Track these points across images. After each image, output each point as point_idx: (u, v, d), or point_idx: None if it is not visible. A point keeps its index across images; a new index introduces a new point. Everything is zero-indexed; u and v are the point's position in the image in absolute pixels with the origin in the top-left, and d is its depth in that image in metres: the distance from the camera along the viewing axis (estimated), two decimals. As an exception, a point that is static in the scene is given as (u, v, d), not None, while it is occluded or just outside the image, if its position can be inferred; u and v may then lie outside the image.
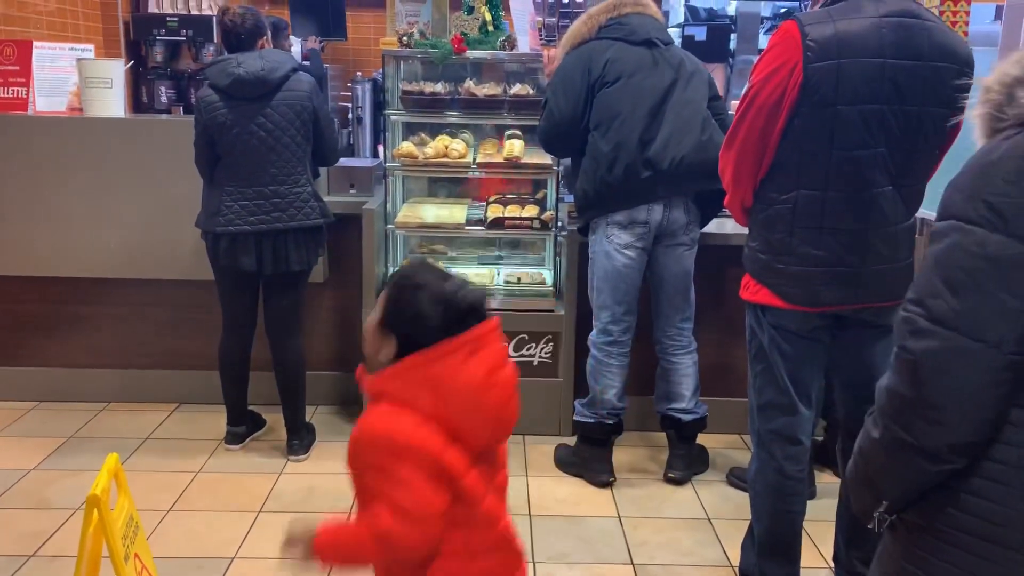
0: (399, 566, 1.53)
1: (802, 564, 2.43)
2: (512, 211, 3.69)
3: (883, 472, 1.25)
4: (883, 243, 2.12)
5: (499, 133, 3.86)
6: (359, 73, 5.10)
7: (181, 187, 3.52)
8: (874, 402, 1.24)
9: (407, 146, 3.61)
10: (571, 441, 3.42)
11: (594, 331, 3.24)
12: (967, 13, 3.61)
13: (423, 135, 3.81)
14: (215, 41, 5.29)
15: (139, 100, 5.48)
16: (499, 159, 3.62)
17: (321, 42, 5.61)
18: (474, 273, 3.79)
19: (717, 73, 4.97)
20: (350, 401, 3.79)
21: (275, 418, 3.52)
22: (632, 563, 2.75)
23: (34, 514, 2.93)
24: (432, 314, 1.48)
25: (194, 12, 5.56)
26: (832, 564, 2.51)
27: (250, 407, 3.49)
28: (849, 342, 2.26)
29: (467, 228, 3.70)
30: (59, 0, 5.05)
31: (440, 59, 3.46)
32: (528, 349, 3.59)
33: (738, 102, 2.18)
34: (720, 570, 2.72)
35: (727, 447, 3.55)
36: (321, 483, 3.20)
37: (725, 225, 3.40)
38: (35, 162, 3.64)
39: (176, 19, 5.35)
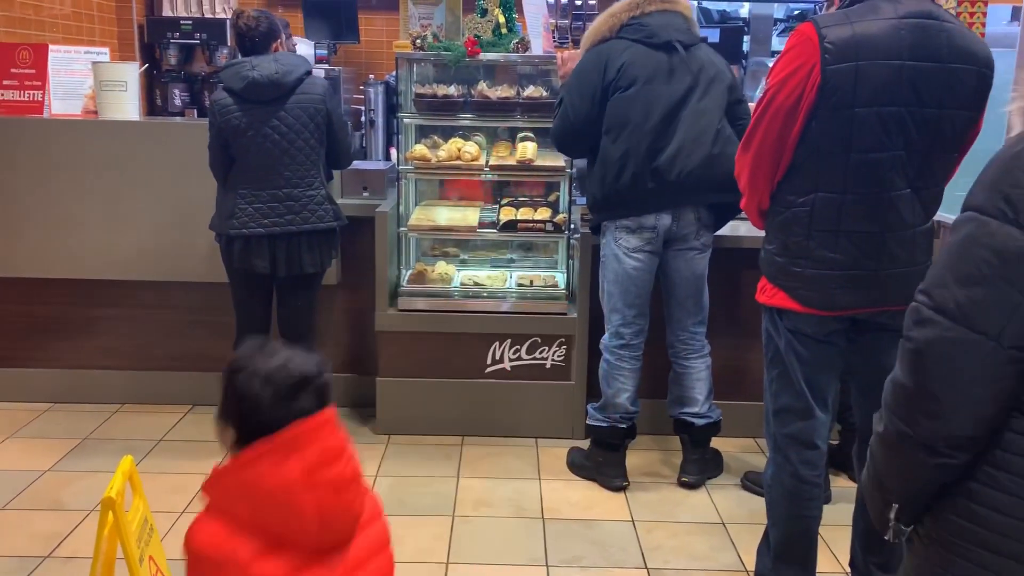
0: None
1: (818, 569, 2.41)
2: (525, 213, 3.68)
3: (887, 468, 1.25)
4: (901, 246, 2.10)
5: (512, 135, 3.86)
6: (372, 76, 5.11)
7: (195, 190, 3.53)
8: None
9: (420, 149, 3.61)
10: (584, 444, 3.41)
11: (606, 335, 3.23)
12: (984, 14, 3.58)
13: (436, 137, 3.81)
14: (229, 44, 5.31)
15: (153, 103, 5.51)
16: (512, 161, 3.61)
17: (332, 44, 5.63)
18: (486, 275, 3.79)
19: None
20: (363, 404, 3.79)
21: (288, 420, 3.52)
22: (646, 567, 2.73)
23: (49, 515, 2.95)
24: (258, 393, 1.43)
25: (208, 15, 5.58)
26: (848, 569, 2.49)
27: (263, 409, 3.49)
28: (866, 346, 2.24)
29: (480, 231, 3.70)
30: (74, 3, 5.08)
31: (453, 61, 3.46)
32: (541, 352, 3.58)
33: (754, 105, 2.17)
34: (735, 575, 2.71)
35: (741, 451, 3.53)
36: (334, 485, 3.19)
37: (739, 228, 3.38)
38: (50, 165, 3.66)
39: (190, 22, 5.37)
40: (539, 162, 3.59)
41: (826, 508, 2.43)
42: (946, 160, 2.12)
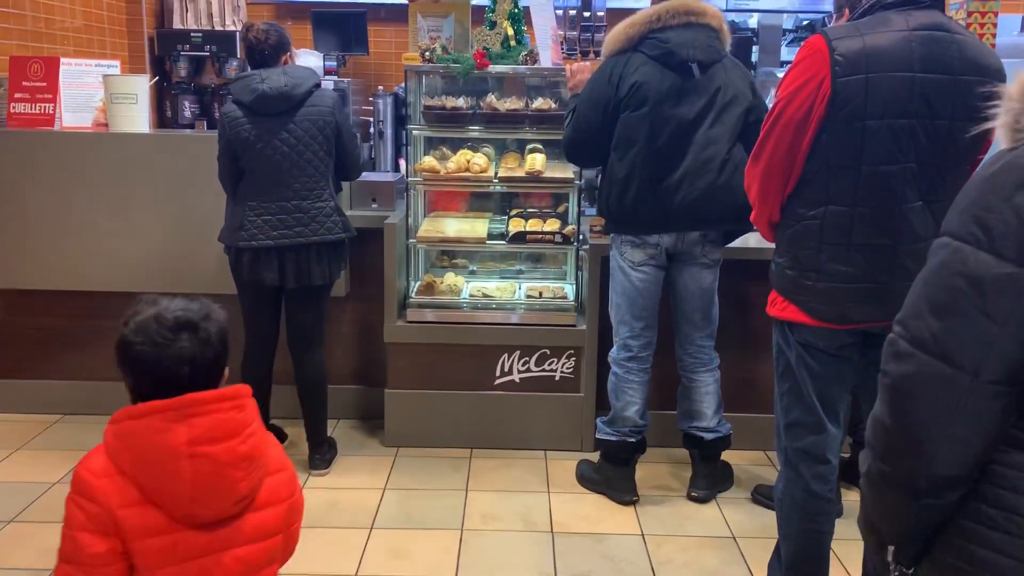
0: None
1: (830, 585, 2.39)
2: (534, 225, 3.68)
3: (875, 509, 1.19)
4: (913, 259, 2.08)
5: (520, 147, 3.86)
6: (380, 87, 5.13)
7: (205, 202, 3.55)
8: None
9: (429, 160, 3.62)
10: (593, 457, 3.39)
11: (614, 347, 3.21)
12: (994, 25, 3.57)
13: (444, 149, 3.81)
14: (238, 56, 5.34)
15: (163, 114, 5.53)
16: (520, 173, 3.61)
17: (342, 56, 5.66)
18: (495, 287, 3.78)
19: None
20: (372, 415, 3.78)
21: (297, 432, 3.52)
22: (656, 582, 2.71)
23: (58, 528, 2.93)
24: (131, 340, 1.47)
25: (218, 28, 5.61)
26: (861, 585, 2.47)
27: (272, 421, 3.50)
28: (877, 359, 2.21)
29: (488, 242, 3.69)
30: (85, 16, 5.11)
31: (462, 73, 3.46)
32: (550, 364, 3.57)
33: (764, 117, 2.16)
34: (746, 590, 2.69)
35: (751, 463, 3.51)
36: (343, 498, 3.19)
37: (748, 239, 3.36)
38: (61, 177, 3.68)
39: (200, 35, 5.39)
40: (548, 174, 3.59)
41: (838, 522, 2.41)
42: (958, 172, 2.10)
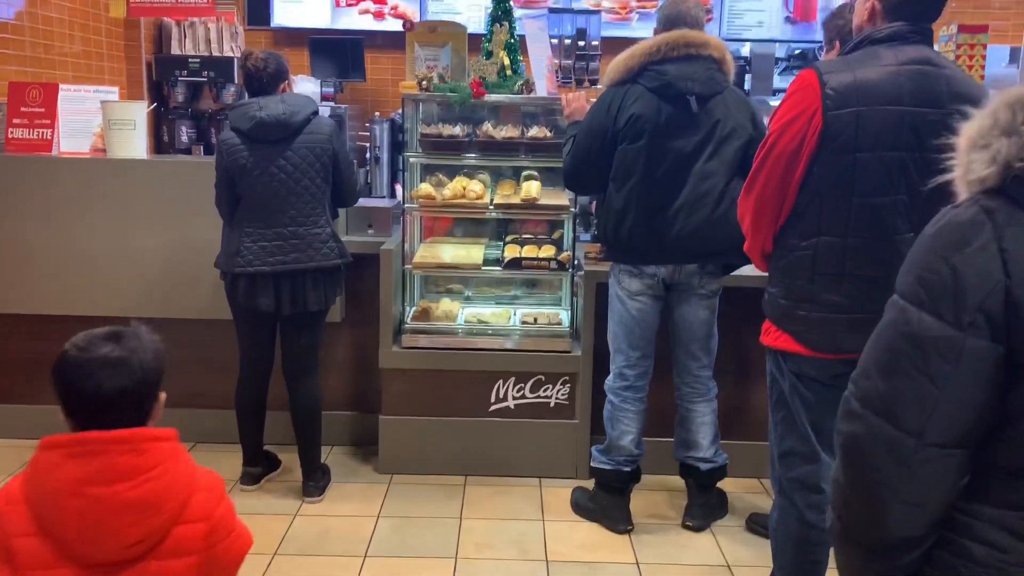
0: None
1: (825, 615, 2.38)
2: (529, 251, 3.70)
3: (841, 564, 1.17)
4: (904, 290, 2.10)
5: (516, 174, 3.89)
6: (377, 113, 5.16)
7: (202, 227, 3.56)
8: None
9: (425, 187, 3.64)
10: (588, 484, 3.39)
11: (610, 375, 3.21)
12: (983, 56, 3.63)
13: (440, 176, 3.84)
14: (236, 82, 5.38)
15: (160, 139, 5.56)
16: (516, 200, 3.64)
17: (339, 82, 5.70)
18: (491, 313, 3.79)
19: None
20: (366, 442, 3.77)
21: (291, 458, 3.51)
22: (651, 611, 2.70)
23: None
24: (57, 371, 1.53)
25: (216, 54, 5.66)
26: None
27: (266, 447, 3.49)
28: (871, 389, 2.23)
29: (484, 268, 3.71)
30: (84, 42, 5.14)
31: (459, 102, 3.50)
32: (545, 390, 3.57)
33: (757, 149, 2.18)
34: (741, 619, 2.68)
35: (747, 491, 3.50)
36: (336, 525, 3.17)
37: (744, 268, 3.38)
38: (59, 202, 3.69)
39: (198, 60, 5.43)
40: (543, 200, 3.61)
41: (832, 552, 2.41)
42: (950, 204, 2.12)
